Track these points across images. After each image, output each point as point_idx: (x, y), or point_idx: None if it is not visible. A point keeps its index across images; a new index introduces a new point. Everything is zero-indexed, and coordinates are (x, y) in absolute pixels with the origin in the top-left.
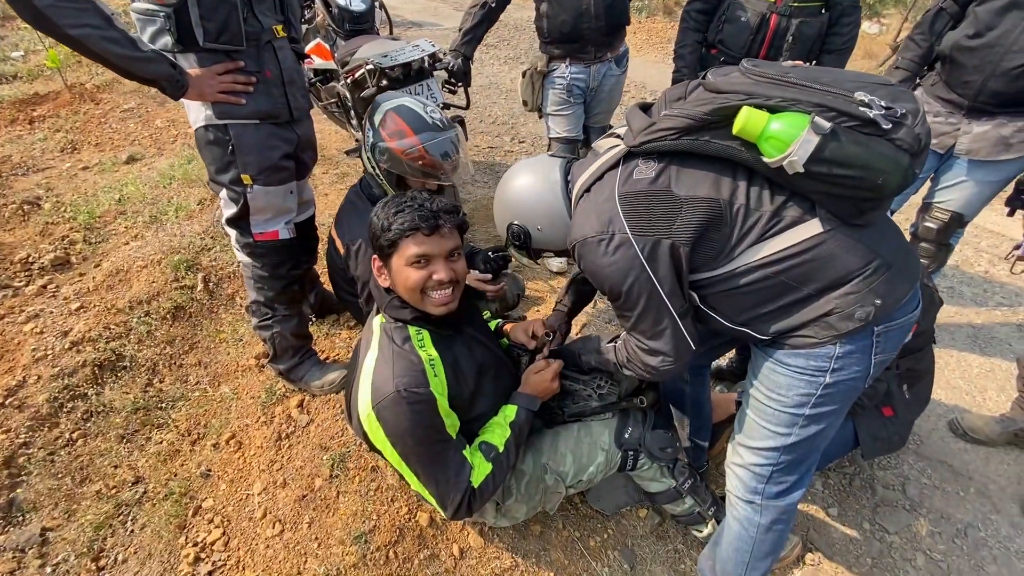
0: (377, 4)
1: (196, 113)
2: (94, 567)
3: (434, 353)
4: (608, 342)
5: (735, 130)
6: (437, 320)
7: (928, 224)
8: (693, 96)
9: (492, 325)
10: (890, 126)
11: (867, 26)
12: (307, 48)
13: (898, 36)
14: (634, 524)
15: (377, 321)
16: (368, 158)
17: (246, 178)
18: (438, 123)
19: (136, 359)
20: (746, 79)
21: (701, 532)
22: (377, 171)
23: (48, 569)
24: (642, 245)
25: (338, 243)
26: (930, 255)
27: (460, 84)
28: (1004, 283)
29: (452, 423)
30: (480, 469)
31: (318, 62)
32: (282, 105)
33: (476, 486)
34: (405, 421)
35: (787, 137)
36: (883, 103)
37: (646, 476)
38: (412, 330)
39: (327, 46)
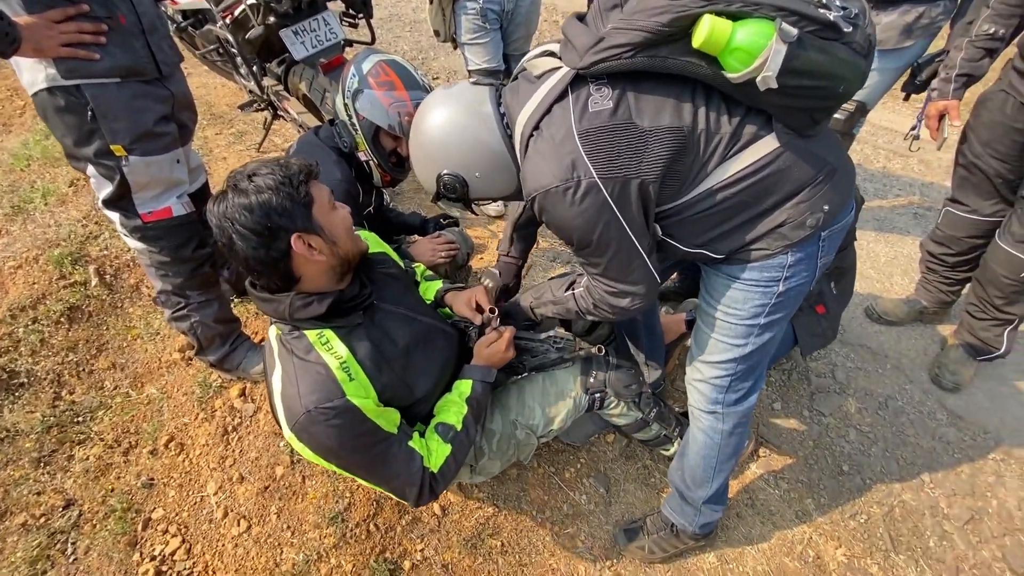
0: None
1: (33, 73)
2: None
3: (344, 352)
4: (565, 290)
5: (696, 43)
6: (344, 309)
7: (836, 115)
8: (634, 2)
9: (431, 291)
10: (850, 29)
11: None
12: None
13: None
14: (603, 450)
15: (272, 333)
16: (345, 104)
17: (117, 148)
18: (426, 87)
19: (34, 373)
20: None
21: (668, 451)
22: (355, 119)
23: None
24: (611, 188)
25: None
26: None
27: (361, 16)
28: (899, 175)
29: (389, 419)
30: (438, 452)
31: (184, 1)
32: (146, 58)
33: (436, 471)
34: (329, 439)
35: (754, 48)
36: (839, 2)
37: (613, 413)
38: (312, 335)
39: None
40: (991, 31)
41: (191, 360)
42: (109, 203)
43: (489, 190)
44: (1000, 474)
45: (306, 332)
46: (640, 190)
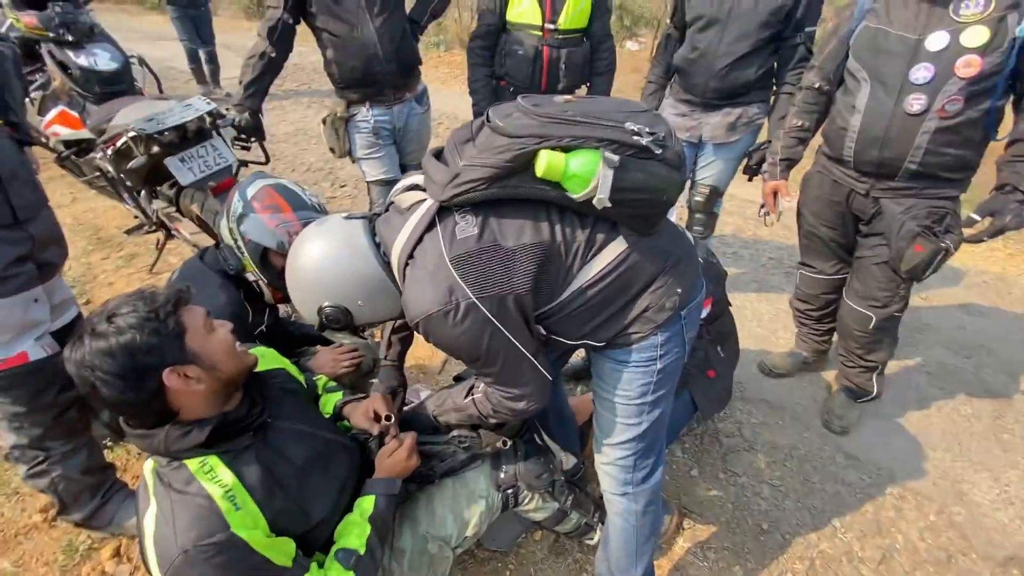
0: (135, 60)
1: None
2: None
3: (229, 479)
4: (465, 396)
5: (539, 173)
6: (230, 432)
7: (697, 198)
8: (483, 140)
9: (330, 404)
10: (660, 150)
11: (630, 45)
12: (47, 118)
13: (652, 52)
14: (532, 550)
15: (148, 467)
16: (231, 229)
17: None
18: (316, 207)
19: None
20: (531, 120)
21: (593, 539)
22: (240, 243)
23: None
24: (488, 305)
25: None
26: (702, 223)
27: (253, 139)
28: (769, 240)
29: (282, 550)
30: None
31: (65, 133)
32: None
33: None
34: None
35: (586, 174)
36: (648, 129)
37: (529, 508)
38: (194, 464)
39: (74, 113)
40: (799, 124)
41: (54, 522)
42: None
43: (374, 315)
44: (899, 508)
45: (186, 462)
46: (516, 302)
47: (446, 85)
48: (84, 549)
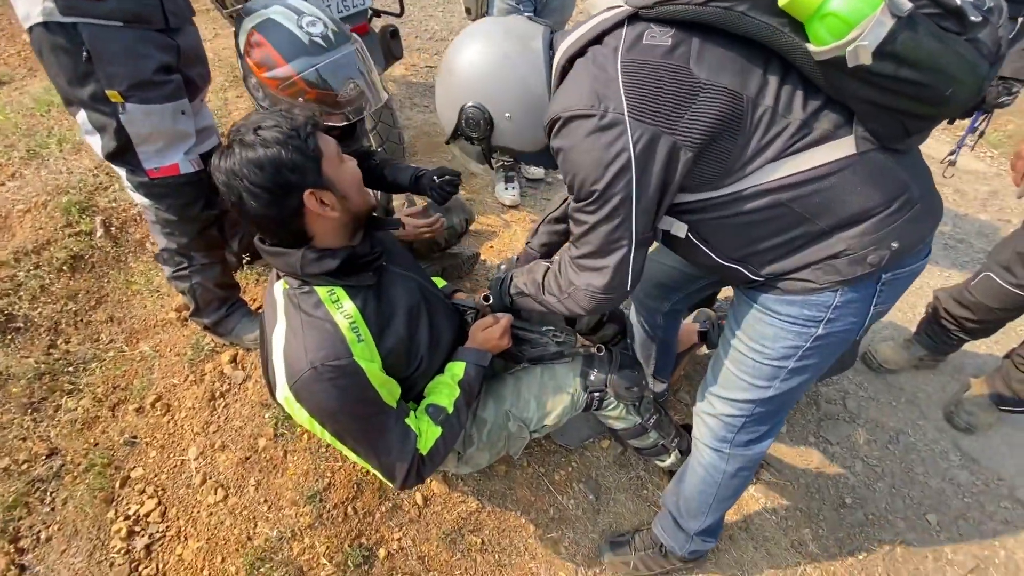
0: None
1: (28, 5)
2: (12, 549)
3: (353, 311)
4: (544, 273)
5: (783, 1)
6: (356, 266)
7: None
8: None
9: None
10: (979, 19)
11: None
12: None
13: None
14: (597, 455)
15: (279, 288)
16: (250, 94)
17: (113, 94)
18: (319, 41)
19: (31, 319)
20: None
21: (664, 462)
22: (264, 104)
23: None
24: (637, 135)
25: None
26: None
27: None
28: None
29: (390, 391)
30: (428, 434)
31: None
32: (153, 7)
33: (424, 453)
34: (330, 400)
35: (853, 16)
36: None
37: (611, 415)
38: (323, 291)
39: None
40: None
41: (186, 321)
42: (113, 157)
43: (514, 139)
44: (1010, 522)
45: (316, 288)
46: (670, 153)
47: None
48: (208, 349)
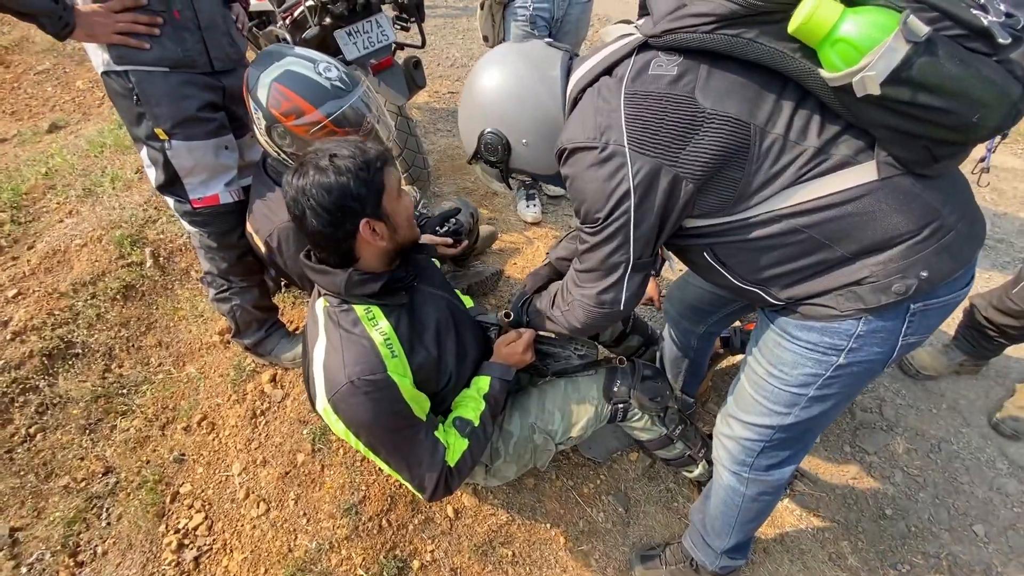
0: None
1: (96, 57)
2: (72, 563)
3: (388, 329)
4: (552, 305)
5: (792, 27)
6: (393, 288)
7: None
8: None
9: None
10: (1009, 41)
11: None
12: None
13: None
14: (626, 468)
15: (320, 306)
16: (267, 141)
17: (160, 132)
18: (339, 84)
19: (88, 345)
20: None
21: (692, 472)
22: (282, 155)
23: (23, 569)
24: (637, 168)
25: (255, 239)
26: None
27: (413, 19)
28: None
29: (421, 405)
30: (455, 447)
31: (255, 3)
32: (198, 53)
33: (452, 465)
34: (365, 412)
35: (864, 43)
36: (1003, 6)
37: (636, 426)
38: (360, 310)
39: None
40: None
41: (228, 343)
42: (163, 188)
43: (530, 163)
44: None
45: (354, 307)
46: (671, 184)
47: None
48: (249, 370)
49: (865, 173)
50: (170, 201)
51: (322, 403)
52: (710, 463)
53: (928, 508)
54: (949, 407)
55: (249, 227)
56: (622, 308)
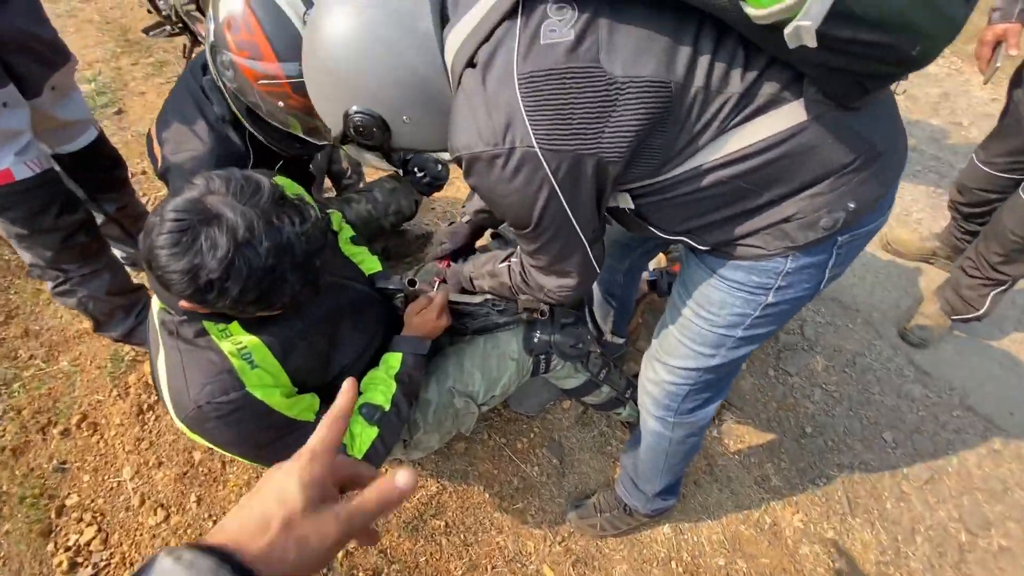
0: None
1: None
2: None
3: (246, 339)
4: (501, 262)
5: None
6: None
7: None
8: None
9: (368, 265)
10: None
11: None
12: None
13: None
14: (558, 417)
15: (155, 308)
16: (211, 61)
17: None
18: None
19: None
20: None
21: (621, 415)
22: (220, 82)
23: None
24: (555, 165)
25: (156, 150)
26: None
27: None
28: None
29: (306, 406)
30: (363, 437)
31: None
32: None
33: (360, 457)
34: (223, 436)
35: None
36: None
37: (560, 375)
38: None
39: None
40: None
41: None
42: None
43: (419, 140)
44: (961, 431)
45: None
46: (596, 170)
47: None
48: (129, 360)
49: (793, 114)
50: None
51: (179, 423)
52: (637, 402)
53: (843, 421)
54: (864, 321)
55: (152, 132)
56: (598, 270)
